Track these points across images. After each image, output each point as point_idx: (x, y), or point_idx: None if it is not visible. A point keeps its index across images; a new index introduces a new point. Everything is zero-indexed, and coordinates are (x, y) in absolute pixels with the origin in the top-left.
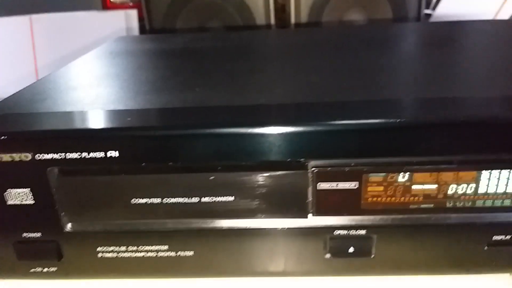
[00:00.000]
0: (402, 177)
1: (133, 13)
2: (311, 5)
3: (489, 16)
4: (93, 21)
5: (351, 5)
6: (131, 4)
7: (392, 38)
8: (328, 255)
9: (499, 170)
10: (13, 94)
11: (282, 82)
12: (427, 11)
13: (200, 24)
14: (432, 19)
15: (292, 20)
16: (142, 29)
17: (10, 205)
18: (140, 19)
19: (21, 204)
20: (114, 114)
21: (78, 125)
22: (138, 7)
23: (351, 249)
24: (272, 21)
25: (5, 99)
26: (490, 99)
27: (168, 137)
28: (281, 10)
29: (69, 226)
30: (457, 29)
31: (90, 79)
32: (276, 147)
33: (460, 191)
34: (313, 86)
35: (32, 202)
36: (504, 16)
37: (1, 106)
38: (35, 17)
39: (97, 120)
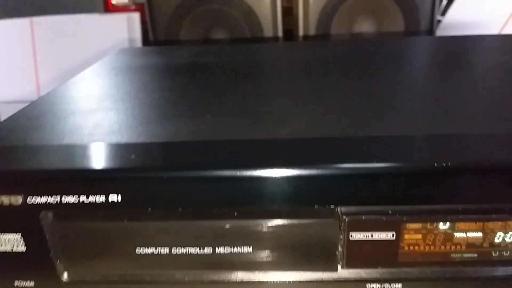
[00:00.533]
0: (443, 225)
1: (136, 17)
2: (319, 16)
3: (499, 23)
4: (94, 24)
5: (361, 14)
6: (133, 7)
7: (410, 55)
8: None
9: None
10: (6, 119)
11: (302, 109)
12: (437, 17)
13: (206, 31)
14: (442, 26)
15: (301, 31)
16: (145, 33)
17: (0, 252)
18: (143, 22)
19: (11, 252)
20: (116, 149)
21: (76, 164)
22: (141, 10)
23: None
24: (280, 28)
25: None
26: None
27: (177, 179)
28: (288, 13)
29: (65, 275)
30: (478, 45)
31: (90, 102)
32: (302, 192)
33: (508, 240)
34: (336, 116)
35: (23, 249)
36: None
37: None
38: (36, 19)
39: (97, 158)
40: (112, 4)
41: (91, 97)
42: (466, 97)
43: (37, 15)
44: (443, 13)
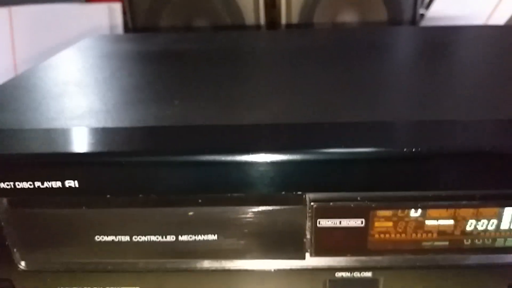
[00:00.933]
0: (415, 212)
1: (117, 7)
2: (302, 5)
3: (483, 17)
4: (75, 14)
5: (344, 4)
6: None
7: (390, 45)
8: None
9: None
10: None
11: (273, 96)
12: (421, 11)
13: (186, 20)
14: (425, 19)
15: (283, 20)
16: (126, 23)
17: None
18: (124, 12)
19: None
20: (76, 134)
21: (31, 148)
22: (122, 0)
23: None
24: (262, 18)
25: None
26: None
27: (138, 164)
28: (271, 5)
29: (22, 264)
30: (460, 35)
31: (59, 85)
32: (269, 178)
33: (480, 228)
34: (308, 102)
35: None
36: (498, 16)
37: None
38: (15, 8)
39: (54, 142)
40: None
41: (59, 82)
42: (441, 85)
43: (16, 4)
44: (427, 6)
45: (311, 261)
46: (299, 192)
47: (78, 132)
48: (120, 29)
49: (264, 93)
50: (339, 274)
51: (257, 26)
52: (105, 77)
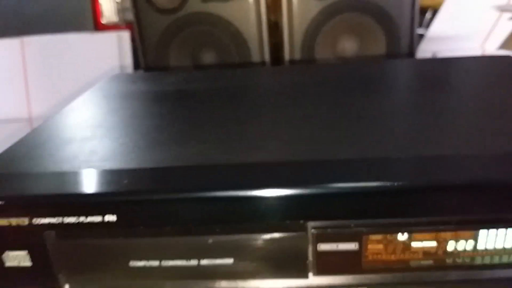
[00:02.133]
0: (402, 236)
1: (125, 35)
2: (303, 36)
3: (481, 35)
4: (85, 43)
5: (343, 35)
6: (123, 25)
7: (386, 82)
8: None
9: (496, 229)
10: (6, 149)
11: (279, 135)
12: (420, 31)
13: (194, 53)
14: (425, 40)
15: (287, 56)
16: (135, 51)
17: (7, 267)
18: (133, 40)
19: (18, 266)
20: (110, 175)
21: (75, 189)
22: (130, 28)
23: None
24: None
25: None
26: (486, 158)
27: (164, 201)
28: (275, 27)
29: (66, 287)
30: (451, 69)
31: (85, 130)
32: (275, 209)
33: (459, 248)
34: (310, 141)
35: (29, 264)
36: (498, 34)
37: None
38: (26, 39)
39: (93, 183)
40: (102, 23)
41: (86, 126)
42: (429, 122)
43: (27, 34)
44: (427, 26)
45: (313, 280)
46: (301, 221)
47: (112, 173)
48: (129, 56)
49: (270, 131)
50: None
51: (262, 62)
52: (128, 119)
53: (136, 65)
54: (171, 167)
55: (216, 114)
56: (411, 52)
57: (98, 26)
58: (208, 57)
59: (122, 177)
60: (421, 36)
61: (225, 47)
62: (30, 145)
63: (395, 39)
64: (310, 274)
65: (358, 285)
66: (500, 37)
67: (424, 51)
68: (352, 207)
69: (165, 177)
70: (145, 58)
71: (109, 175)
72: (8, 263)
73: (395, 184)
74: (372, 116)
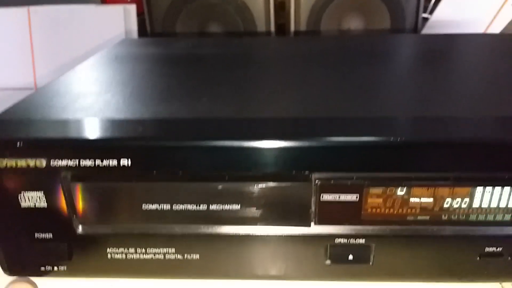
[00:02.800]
0: (401, 191)
1: (132, 8)
2: (309, 13)
3: (485, 21)
4: (91, 15)
5: (350, 11)
6: None
7: (390, 51)
8: (328, 262)
9: (492, 187)
10: (23, 99)
11: (286, 94)
12: (424, 15)
13: (201, 24)
14: (429, 24)
15: (292, 27)
16: (141, 25)
17: (24, 207)
18: (138, 13)
19: (34, 207)
20: (126, 123)
21: (93, 134)
22: (137, 1)
23: (350, 257)
24: (272, 24)
25: (16, 104)
26: (484, 119)
27: (178, 148)
28: (280, 7)
29: (80, 228)
30: (452, 43)
31: (98, 85)
32: (282, 160)
33: (455, 205)
34: (316, 100)
35: (45, 205)
36: (500, 21)
37: (13, 110)
38: (33, 8)
39: (110, 129)
40: None
41: (99, 82)
42: (428, 88)
43: (34, 4)
44: (431, 11)
45: (315, 228)
46: (307, 172)
47: (128, 122)
48: (135, 29)
49: (279, 91)
50: (338, 240)
51: (267, 33)
52: (139, 78)
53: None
54: (184, 118)
55: (226, 75)
56: (416, 32)
57: None
58: (214, 30)
59: (137, 125)
60: (425, 20)
61: (232, 21)
62: (45, 97)
63: (400, 19)
64: (312, 223)
65: (357, 235)
66: (503, 22)
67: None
68: (354, 160)
69: (178, 126)
70: (152, 28)
71: (125, 123)
72: (24, 204)
73: (397, 139)
74: (376, 81)
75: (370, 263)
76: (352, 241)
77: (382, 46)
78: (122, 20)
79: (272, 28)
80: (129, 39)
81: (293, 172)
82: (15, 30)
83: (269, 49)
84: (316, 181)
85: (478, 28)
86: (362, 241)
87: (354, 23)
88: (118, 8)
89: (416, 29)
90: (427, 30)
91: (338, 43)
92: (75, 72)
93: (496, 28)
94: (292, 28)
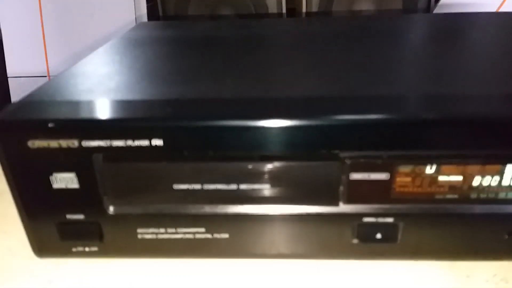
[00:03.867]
0: (430, 169)
1: None
2: None
3: (495, 2)
4: (101, 1)
5: None
6: None
7: (410, 30)
8: (355, 240)
9: None
10: (49, 81)
11: (311, 74)
12: None
13: (212, 7)
14: (440, 6)
15: (304, 9)
16: (150, 8)
17: (55, 188)
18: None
19: (66, 188)
20: (156, 103)
21: (124, 114)
22: None
23: (378, 235)
24: (284, 6)
25: (43, 85)
26: None
27: (209, 128)
28: None
29: (111, 209)
30: (472, 21)
31: (122, 67)
32: (311, 139)
33: (484, 183)
34: (341, 79)
35: (76, 186)
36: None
37: (40, 92)
38: None
39: (141, 110)
40: None
41: (122, 64)
42: (454, 66)
43: None
44: None
45: (343, 208)
46: (336, 151)
47: (158, 102)
48: (144, 12)
49: (302, 72)
50: (366, 219)
51: (279, 14)
52: (164, 60)
53: (151, 16)
54: (212, 99)
55: (247, 56)
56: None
57: None
58: (226, 12)
59: (166, 106)
60: (437, 1)
61: (243, 3)
62: (72, 79)
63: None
64: (341, 202)
65: (385, 214)
66: None
67: None
68: (384, 139)
69: (208, 106)
70: (164, 9)
71: (155, 104)
72: (56, 185)
73: (425, 116)
74: (400, 60)
75: (397, 242)
76: (380, 219)
77: (401, 26)
78: (132, 5)
79: (284, 9)
80: (145, 22)
81: (322, 151)
82: (26, 18)
83: (287, 31)
84: (346, 160)
85: (489, 9)
86: (390, 220)
87: (366, 4)
88: None
89: (428, 9)
90: (438, 10)
91: (352, 23)
92: (97, 54)
93: (509, 7)
94: (304, 9)
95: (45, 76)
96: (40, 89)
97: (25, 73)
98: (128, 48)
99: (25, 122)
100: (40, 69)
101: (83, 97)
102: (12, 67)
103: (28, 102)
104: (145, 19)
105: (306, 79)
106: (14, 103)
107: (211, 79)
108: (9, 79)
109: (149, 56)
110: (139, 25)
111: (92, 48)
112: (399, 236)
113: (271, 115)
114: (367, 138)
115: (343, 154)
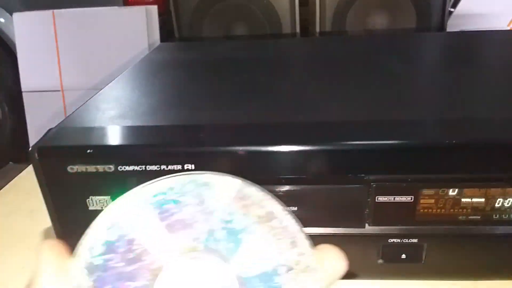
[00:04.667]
0: (453, 191)
1: (154, 9)
2: (334, 10)
3: (508, 14)
4: (114, 17)
5: (375, 9)
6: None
7: (427, 51)
8: (380, 261)
9: None
10: (81, 107)
11: (336, 98)
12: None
13: (227, 25)
14: (453, 17)
15: (317, 28)
16: (162, 24)
17: (91, 210)
18: (160, 14)
19: (101, 210)
20: (189, 129)
21: (158, 140)
22: (159, 2)
23: (403, 256)
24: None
25: (76, 111)
26: None
27: (237, 153)
28: (303, 3)
29: None
30: (488, 40)
31: (150, 91)
32: (339, 163)
33: (506, 205)
34: (366, 103)
35: None
36: None
37: (74, 118)
38: (57, 12)
39: (173, 136)
40: None
41: (149, 88)
42: (474, 88)
43: (58, 8)
44: (454, 5)
45: (369, 229)
46: (362, 175)
47: (190, 128)
48: (156, 29)
49: (325, 95)
50: (391, 240)
51: (293, 34)
52: (188, 84)
53: (163, 39)
54: (240, 124)
55: (272, 79)
56: (442, 28)
57: (127, 1)
58: (240, 30)
59: (198, 131)
60: (450, 13)
61: (257, 20)
62: (102, 103)
63: (427, 15)
64: (367, 224)
65: (410, 235)
66: None
67: (452, 28)
68: (409, 163)
69: (236, 132)
70: (179, 29)
71: (187, 129)
72: (92, 207)
73: (448, 142)
74: (421, 83)
75: (422, 262)
76: (405, 240)
77: (417, 47)
78: (145, 21)
79: (298, 29)
80: (165, 44)
81: (350, 175)
82: (41, 34)
83: (307, 52)
84: (372, 183)
85: (502, 21)
86: (415, 240)
87: (379, 21)
88: (140, 9)
89: (442, 26)
90: (451, 22)
91: (367, 43)
92: (123, 78)
93: None
94: (317, 28)
95: (59, 91)
96: (73, 115)
97: (38, 88)
98: (152, 72)
99: (65, 148)
100: (54, 83)
101: (115, 123)
102: (26, 82)
103: (65, 128)
104: (157, 34)
105: (330, 103)
106: (52, 130)
107: (237, 103)
108: (23, 93)
109: (174, 80)
110: (159, 47)
111: (104, 64)
112: (424, 257)
113: (299, 141)
114: (392, 163)
115: (369, 178)
